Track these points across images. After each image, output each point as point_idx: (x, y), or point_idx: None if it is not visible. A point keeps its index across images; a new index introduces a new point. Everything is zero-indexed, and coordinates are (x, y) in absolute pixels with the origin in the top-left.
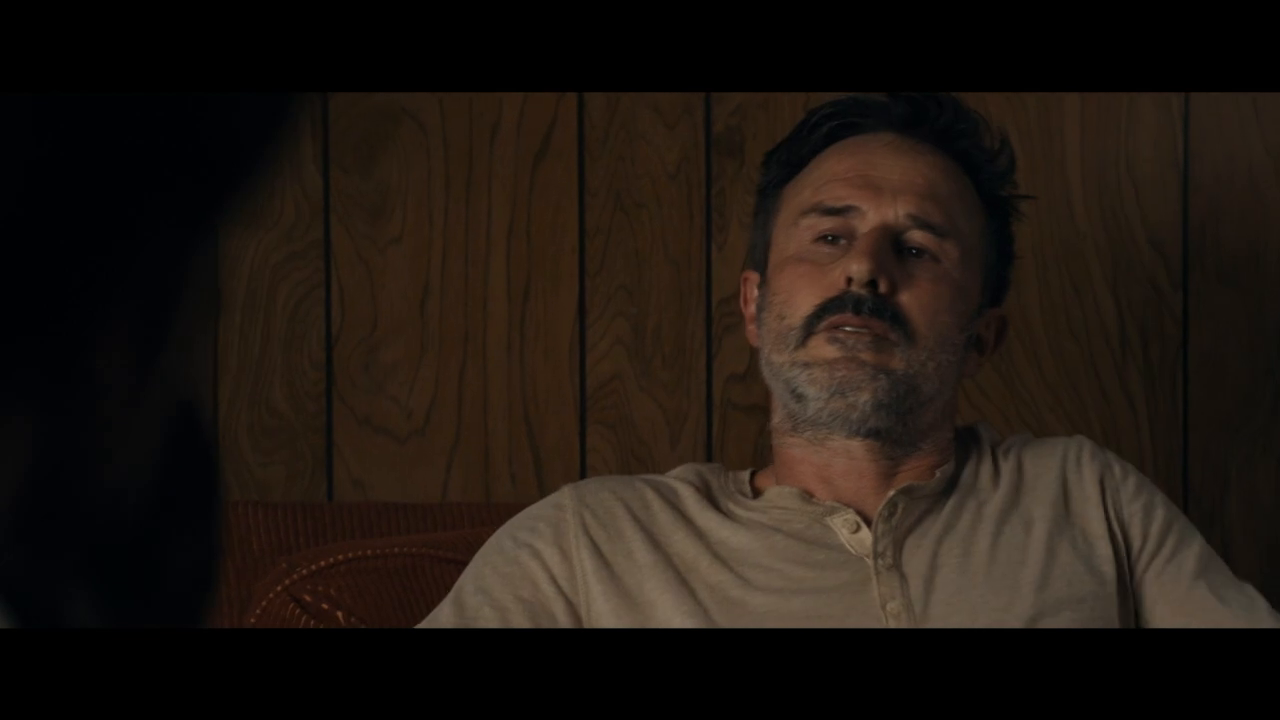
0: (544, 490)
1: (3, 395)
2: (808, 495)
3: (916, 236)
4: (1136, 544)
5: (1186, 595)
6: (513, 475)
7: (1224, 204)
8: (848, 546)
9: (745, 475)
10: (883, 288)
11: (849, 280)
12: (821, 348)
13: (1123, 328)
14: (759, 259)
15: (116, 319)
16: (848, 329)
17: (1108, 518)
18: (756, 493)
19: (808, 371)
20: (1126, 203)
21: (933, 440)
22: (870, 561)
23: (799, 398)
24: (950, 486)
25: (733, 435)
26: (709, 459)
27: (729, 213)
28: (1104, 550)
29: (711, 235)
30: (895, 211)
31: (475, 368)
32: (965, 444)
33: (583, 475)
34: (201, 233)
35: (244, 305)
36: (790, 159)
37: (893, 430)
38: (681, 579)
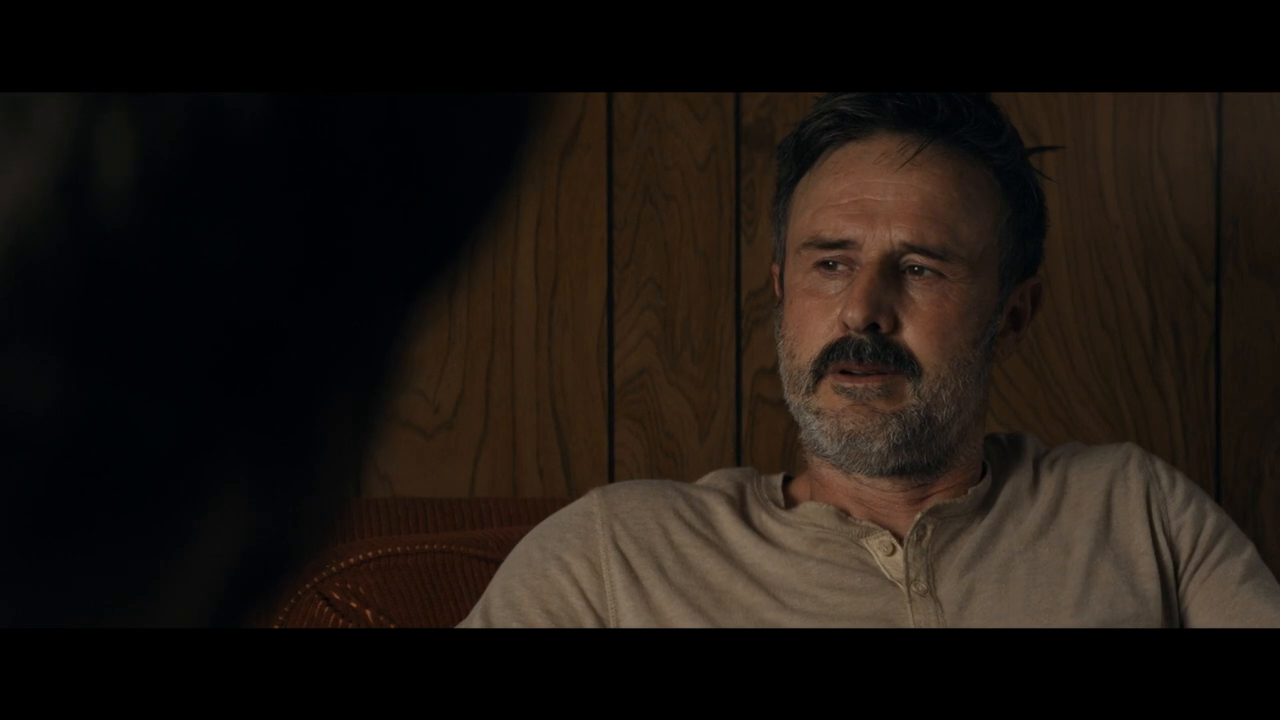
0: (572, 485)
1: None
2: (844, 514)
3: (916, 259)
4: (1185, 554)
5: (1230, 600)
6: (540, 470)
7: (1257, 196)
8: (883, 570)
9: (778, 482)
10: (884, 328)
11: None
12: (829, 397)
13: (1155, 320)
14: (780, 258)
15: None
16: (854, 374)
17: (1153, 532)
18: (790, 501)
19: (819, 421)
20: (1159, 195)
21: (964, 454)
22: (904, 588)
23: (815, 442)
24: (987, 503)
25: (762, 430)
26: (738, 453)
27: (759, 205)
28: (1147, 567)
29: (741, 228)
30: (891, 239)
31: (503, 362)
32: (1007, 457)
33: (611, 470)
34: (421, 296)
35: None
36: (798, 159)
37: (917, 462)
38: (714, 601)
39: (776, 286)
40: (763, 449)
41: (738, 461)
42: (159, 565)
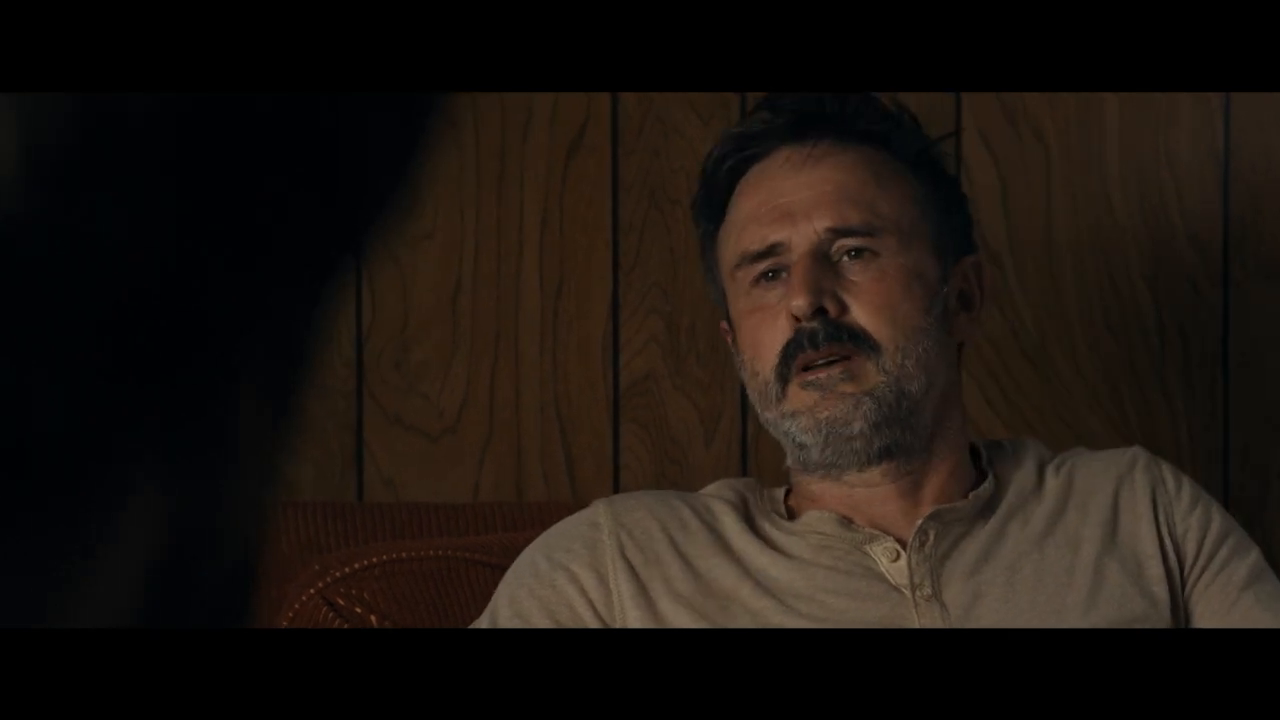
0: (576, 490)
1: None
2: (846, 521)
3: (847, 243)
4: (1190, 559)
5: (1232, 607)
6: (545, 475)
7: (1264, 198)
8: (887, 576)
9: (781, 494)
10: (831, 311)
11: (796, 319)
12: (799, 396)
13: (1161, 324)
14: (724, 310)
15: (248, 365)
16: (818, 365)
17: (1160, 535)
18: (792, 512)
19: (796, 421)
20: (1166, 196)
21: (945, 439)
22: (909, 594)
23: (800, 446)
24: (990, 506)
25: (767, 435)
26: (744, 459)
27: None
28: (1155, 570)
29: None
30: (815, 230)
31: (507, 365)
32: (1009, 461)
33: (616, 475)
34: (338, 268)
35: None
36: (710, 208)
37: (901, 441)
38: (719, 608)
39: (729, 340)
40: (768, 454)
41: (743, 466)
42: (73, 554)
